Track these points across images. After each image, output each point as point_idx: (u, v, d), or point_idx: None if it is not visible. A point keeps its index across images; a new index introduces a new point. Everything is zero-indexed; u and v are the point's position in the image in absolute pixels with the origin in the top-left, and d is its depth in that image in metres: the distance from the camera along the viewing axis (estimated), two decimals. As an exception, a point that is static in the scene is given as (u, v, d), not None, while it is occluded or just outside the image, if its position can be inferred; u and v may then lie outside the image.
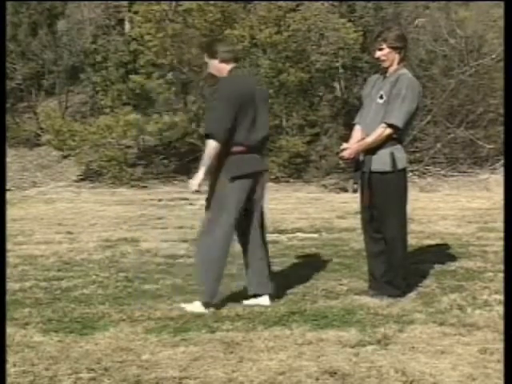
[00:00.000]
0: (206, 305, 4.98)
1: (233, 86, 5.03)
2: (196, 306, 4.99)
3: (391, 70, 5.21)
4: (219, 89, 5.09)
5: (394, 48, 5.17)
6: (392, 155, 5.12)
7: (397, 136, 5.14)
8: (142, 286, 5.84)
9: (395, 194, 5.19)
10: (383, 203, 5.19)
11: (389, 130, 5.06)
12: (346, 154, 5.18)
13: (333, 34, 14.04)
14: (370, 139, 5.10)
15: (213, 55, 5.12)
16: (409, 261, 5.57)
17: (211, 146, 4.92)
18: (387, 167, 5.13)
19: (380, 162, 5.12)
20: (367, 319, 4.74)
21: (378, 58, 5.24)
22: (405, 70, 5.25)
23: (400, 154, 5.19)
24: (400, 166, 5.17)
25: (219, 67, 5.12)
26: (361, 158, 5.21)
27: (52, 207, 11.35)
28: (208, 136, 4.96)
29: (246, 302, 5.15)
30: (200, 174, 4.93)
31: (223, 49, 5.13)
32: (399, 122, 5.06)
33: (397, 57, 5.19)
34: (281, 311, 4.93)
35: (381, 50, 5.19)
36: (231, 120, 4.90)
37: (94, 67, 15.97)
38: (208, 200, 5.08)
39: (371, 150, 5.12)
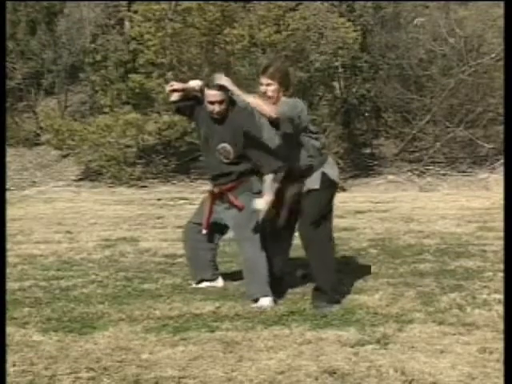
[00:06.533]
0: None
1: None
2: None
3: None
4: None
5: (281, 85, 5.04)
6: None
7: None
8: (142, 285, 5.84)
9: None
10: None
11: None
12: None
13: (332, 34, 14.04)
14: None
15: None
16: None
17: None
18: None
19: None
20: (366, 318, 4.74)
21: (264, 93, 5.04)
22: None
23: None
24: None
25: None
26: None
27: (51, 207, 11.35)
28: None
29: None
30: None
31: None
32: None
33: (281, 93, 5.06)
34: (280, 311, 4.94)
35: (269, 85, 5.02)
36: None
37: (93, 66, 15.96)
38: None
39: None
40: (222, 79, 4.98)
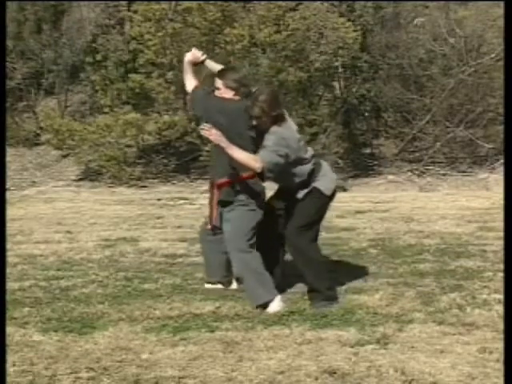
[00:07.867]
0: None
1: None
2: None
3: None
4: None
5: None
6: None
7: None
8: (142, 285, 5.84)
9: None
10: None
11: None
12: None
13: (332, 34, 14.02)
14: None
15: None
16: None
17: None
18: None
19: None
20: (366, 318, 4.75)
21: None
22: None
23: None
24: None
25: None
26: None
27: (51, 206, 11.34)
28: None
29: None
30: None
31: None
32: None
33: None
34: (280, 311, 4.93)
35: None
36: None
37: (93, 66, 15.94)
38: None
39: None
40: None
